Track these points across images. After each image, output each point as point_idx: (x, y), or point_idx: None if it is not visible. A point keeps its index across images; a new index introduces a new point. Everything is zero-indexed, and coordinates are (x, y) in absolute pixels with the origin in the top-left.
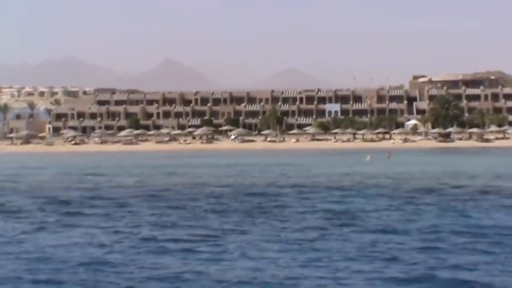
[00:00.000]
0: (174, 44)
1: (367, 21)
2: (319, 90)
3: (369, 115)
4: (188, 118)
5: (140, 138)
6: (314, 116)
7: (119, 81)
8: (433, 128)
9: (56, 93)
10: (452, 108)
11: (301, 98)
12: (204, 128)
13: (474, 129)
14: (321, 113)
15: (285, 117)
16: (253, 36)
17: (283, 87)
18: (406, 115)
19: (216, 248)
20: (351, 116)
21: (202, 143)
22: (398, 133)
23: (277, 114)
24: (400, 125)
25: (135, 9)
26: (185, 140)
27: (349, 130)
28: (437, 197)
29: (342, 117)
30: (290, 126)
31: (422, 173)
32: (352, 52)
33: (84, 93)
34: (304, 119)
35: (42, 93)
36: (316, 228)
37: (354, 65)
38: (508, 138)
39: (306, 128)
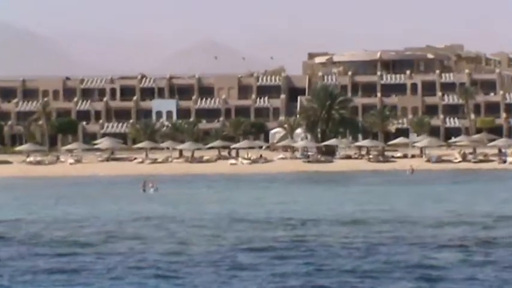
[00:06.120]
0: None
1: None
2: (143, 76)
3: (221, 118)
4: None
5: None
6: (131, 120)
7: None
8: (306, 138)
9: None
10: (338, 107)
11: (112, 90)
12: None
13: (365, 142)
14: (146, 113)
15: (84, 122)
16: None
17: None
18: (282, 118)
19: None
20: (192, 119)
21: None
22: (245, 148)
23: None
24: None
25: None
26: None
27: (166, 144)
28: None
29: (166, 124)
30: (93, 136)
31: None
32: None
33: None
34: (117, 124)
35: None
36: None
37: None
38: (414, 156)
39: (97, 141)
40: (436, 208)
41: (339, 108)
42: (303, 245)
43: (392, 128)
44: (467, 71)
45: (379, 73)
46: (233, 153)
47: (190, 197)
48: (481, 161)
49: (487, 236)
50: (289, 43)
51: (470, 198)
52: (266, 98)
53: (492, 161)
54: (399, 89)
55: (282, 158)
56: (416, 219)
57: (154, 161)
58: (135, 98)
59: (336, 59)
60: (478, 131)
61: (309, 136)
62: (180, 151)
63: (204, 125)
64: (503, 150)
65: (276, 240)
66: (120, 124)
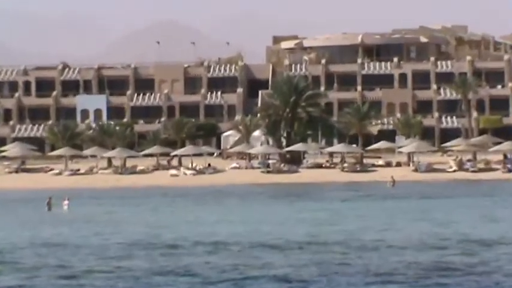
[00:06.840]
0: None
1: None
2: (65, 66)
3: (163, 118)
4: None
5: None
6: (50, 121)
7: None
8: (267, 143)
9: None
10: (306, 103)
11: (26, 83)
12: None
13: (338, 147)
14: (68, 112)
15: None
16: None
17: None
18: (238, 117)
19: None
20: (127, 119)
21: None
22: (190, 156)
23: None
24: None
25: None
26: None
27: (90, 151)
28: None
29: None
30: (1, 141)
31: None
32: None
33: None
34: (32, 126)
35: None
36: None
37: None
38: (400, 164)
39: (5, 148)
40: (402, 230)
41: (307, 105)
42: (223, 277)
43: (373, 129)
44: (468, 58)
45: (359, 61)
46: (174, 161)
47: (106, 218)
48: (480, 170)
49: (447, 264)
50: (265, 25)
51: (450, 217)
52: (219, 93)
53: (495, 169)
54: (385, 80)
55: (235, 168)
56: (372, 243)
57: (76, 173)
58: (54, 93)
59: (306, 43)
60: (482, 132)
61: (270, 140)
62: (109, 159)
63: (141, 126)
64: (509, 157)
65: (189, 271)
66: (36, 126)
